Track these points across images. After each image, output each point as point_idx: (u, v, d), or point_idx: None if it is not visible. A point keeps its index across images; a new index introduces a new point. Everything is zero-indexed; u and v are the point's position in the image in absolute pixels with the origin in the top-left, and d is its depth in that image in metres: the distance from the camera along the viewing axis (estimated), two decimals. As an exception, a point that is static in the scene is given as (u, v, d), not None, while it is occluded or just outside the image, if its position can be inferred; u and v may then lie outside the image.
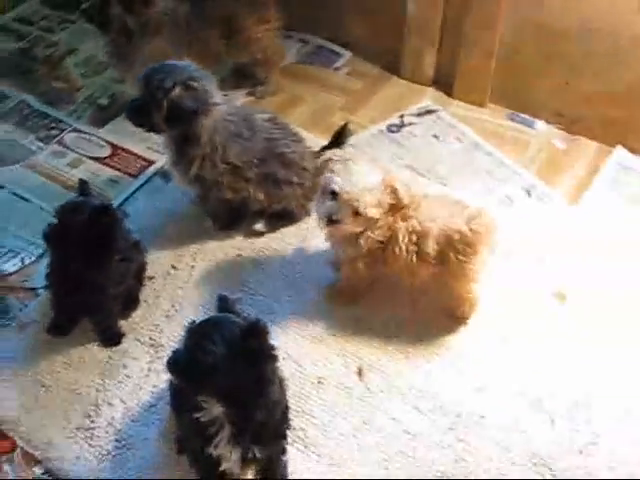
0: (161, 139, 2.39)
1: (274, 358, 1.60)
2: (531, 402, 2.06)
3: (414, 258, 2.07)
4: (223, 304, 1.68)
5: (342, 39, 3.23)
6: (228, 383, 1.55)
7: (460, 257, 2.04)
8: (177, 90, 2.16)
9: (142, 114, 2.22)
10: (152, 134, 2.36)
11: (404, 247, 2.06)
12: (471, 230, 2.01)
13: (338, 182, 2.00)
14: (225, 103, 2.28)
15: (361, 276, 2.19)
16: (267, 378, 1.59)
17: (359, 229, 2.06)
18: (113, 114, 2.94)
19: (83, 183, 2.12)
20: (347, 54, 3.21)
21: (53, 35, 3.32)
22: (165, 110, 2.17)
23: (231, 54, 2.86)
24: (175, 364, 1.56)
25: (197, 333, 1.56)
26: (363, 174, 2.02)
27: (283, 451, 1.84)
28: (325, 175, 2.07)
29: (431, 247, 2.05)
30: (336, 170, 2.03)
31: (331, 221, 2.03)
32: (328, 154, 2.13)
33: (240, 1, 2.77)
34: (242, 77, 3.01)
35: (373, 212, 2.01)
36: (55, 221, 1.99)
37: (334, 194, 2.01)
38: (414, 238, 2.06)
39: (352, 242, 2.10)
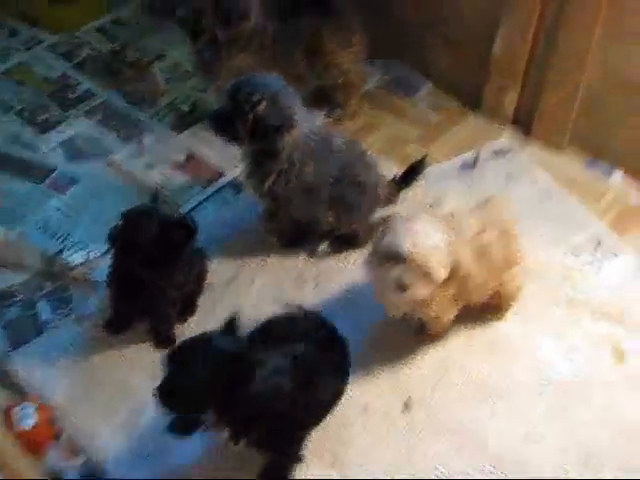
0: (238, 150, 2.41)
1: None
2: (578, 458, 2.01)
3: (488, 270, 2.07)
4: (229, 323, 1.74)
5: (424, 70, 3.21)
6: None
7: (513, 243, 2.09)
8: (264, 105, 2.18)
9: (226, 124, 2.24)
10: (229, 145, 2.37)
11: (480, 273, 2.05)
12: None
13: (405, 244, 1.89)
14: (308, 121, 2.30)
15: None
16: None
17: (432, 292, 1.97)
18: (192, 121, 2.99)
19: (156, 193, 2.16)
20: (428, 85, 3.19)
21: (144, 40, 3.40)
22: (250, 124, 2.19)
23: (313, 75, 2.86)
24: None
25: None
26: (426, 233, 1.93)
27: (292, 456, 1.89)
28: (385, 237, 1.94)
29: (500, 253, 2.06)
30: (398, 231, 1.93)
31: (401, 287, 1.91)
32: (382, 215, 2.05)
33: (326, 24, 2.78)
34: (321, 98, 3.01)
35: (442, 272, 1.92)
36: (122, 224, 2.01)
37: (401, 258, 1.89)
38: (482, 260, 2.05)
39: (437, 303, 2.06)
